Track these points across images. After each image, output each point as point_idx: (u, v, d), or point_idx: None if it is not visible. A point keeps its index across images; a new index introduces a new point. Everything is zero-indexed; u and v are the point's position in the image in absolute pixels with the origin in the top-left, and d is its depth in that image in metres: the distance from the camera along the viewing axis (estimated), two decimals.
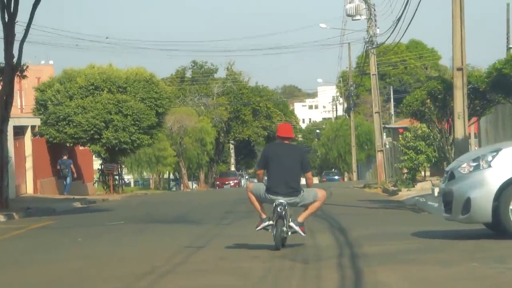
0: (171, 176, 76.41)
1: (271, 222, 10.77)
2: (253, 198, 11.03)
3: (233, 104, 75.94)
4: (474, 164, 11.14)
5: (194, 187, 79.47)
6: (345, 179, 76.74)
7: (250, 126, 78.17)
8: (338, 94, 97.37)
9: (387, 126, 50.39)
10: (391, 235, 12.25)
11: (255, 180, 11.71)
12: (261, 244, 11.45)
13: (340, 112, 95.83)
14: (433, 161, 27.01)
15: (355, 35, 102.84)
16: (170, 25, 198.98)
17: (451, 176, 11.37)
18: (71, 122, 36.50)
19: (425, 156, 26.98)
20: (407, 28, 31.73)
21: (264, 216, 10.92)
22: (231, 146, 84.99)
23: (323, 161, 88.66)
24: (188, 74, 79.84)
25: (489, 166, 11.01)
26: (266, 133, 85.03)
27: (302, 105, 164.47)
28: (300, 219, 10.84)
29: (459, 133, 18.05)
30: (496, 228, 11.33)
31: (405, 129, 54.15)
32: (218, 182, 67.41)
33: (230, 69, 79.46)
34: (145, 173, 65.31)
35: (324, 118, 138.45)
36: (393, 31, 32.88)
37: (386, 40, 37.10)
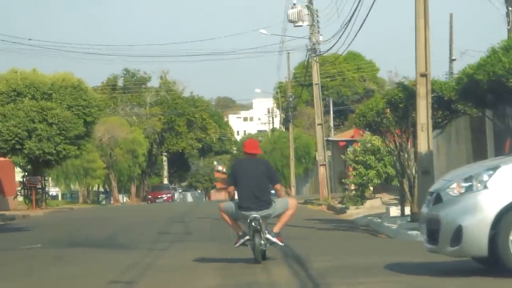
0: (101, 189, 73.30)
1: (248, 237, 10.95)
2: (226, 217, 11.27)
3: (167, 115, 73.38)
4: (466, 184, 9.07)
5: (124, 200, 76.50)
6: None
7: (184, 138, 75.69)
8: (274, 105, 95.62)
9: (329, 139, 48.56)
10: (361, 269, 10.11)
11: (224, 199, 12.24)
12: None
13: (277, 124, 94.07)
14: (383, 177, 25.10)
15: (296, 42, 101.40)
16: (101, 29, 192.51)
17: (437, 199, 9.28)
18: None
19: (375, 171, 25.07)
20: (354, 37, 30.03)
21: (240, 232, 11.11)
22: (164, 158, 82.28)
23: None
24: (120, 82, 76.93)
25: (485, 187, 8.96)
26: (201, 145, 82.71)
27: (237, 117, 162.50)
28: (276, 229, 11.11)
29: (422, 146, 16.08)
30: (487, 262, 9.30)
31: (348, 142, 52.56)
32: (150, 196, 64.66)
33: (164, 78, 76.98)
34: (72, 186, 62.14)
35: (259, 131, 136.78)
36: (339, 38, 31.05)
37: (330, 48, 35.33)
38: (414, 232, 15.26)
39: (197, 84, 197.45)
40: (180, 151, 77.66)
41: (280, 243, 11.07)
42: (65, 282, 10.18)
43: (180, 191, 73.85)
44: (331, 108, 70.47)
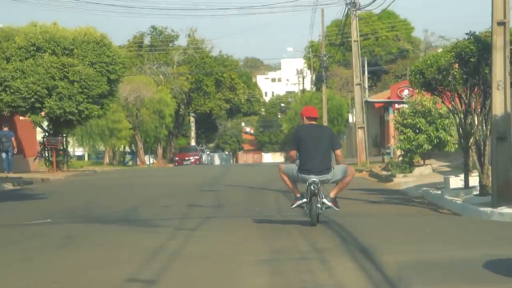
0: (127, 149, 71.37)
1: (305, 200, 11.23)
2: (286, 179, 11.51)
3: (195, 74, 70.97)
4: None
5: (151, 162, 74.58)
6: None
7: (212, 98, 73.31)
8: (305, 66, 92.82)
9: (368, 100, 45.96)
10: (452, 267, 7.76)
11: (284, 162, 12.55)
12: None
13: (307, 85, 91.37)
14: (435, 142, 22.60)
15: None
16: None
17: None
18: (8, 88, 31.53)
19: (425, 136, 22.59)
20: None
21: (298, 194, 11.36)
22: (192, 119, 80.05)
23: (288, 137, 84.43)
24: (147, 40, 74.46)
25: None
26: (229, 106, 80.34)
27: (265, 78, 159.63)
28: (332, 194, 11.38)
29: (498, 108, 13.59)
30: None
31: (386, 103, 49.88)
32: (177, 158, 62.59)
33: (192, 36, 74.38)
34: (97, 147, 60.23)
35: (288, 92, 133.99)
36: None
37: (372, 2, 32.69)
38: (488, 209, 12.89)
39: (226, 43, 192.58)
40: (208, 111, 75.38)
41: (336, 208, 11.39)
42: (69, 274, 7.96)
43: (208, 152, 71.56)
44: (366, 68, 67.52)
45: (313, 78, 78.86)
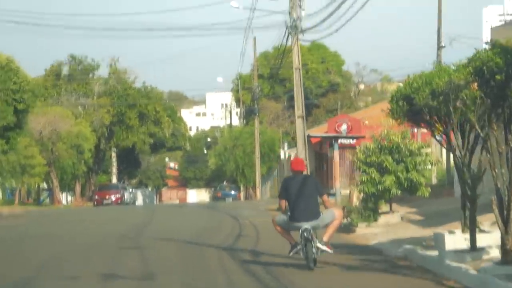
0: (45, 185, 65.99)
1: (300, 247, 11.89)
2: (281, 230, 12.31)
3: (117, 106, 66.34)
4: None
5: (69, 200, 69.31)
6: (241, 194, 68.42)
7: (135, 132, 68.75)
8: (233, 99, 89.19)
9: (310, 135, 42.33)
10: None
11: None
12: None
13: (235, 120, 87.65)
14: (405, 185, 18.91)
15: (268, 19, 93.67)
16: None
17: None
18: None
19: (393, 177, 18.88)
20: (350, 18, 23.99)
21: (293, 242, 12.11)
22: (113, 154, 75.20)
23: (216, 174, 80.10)
24: (65, 70, 69.59)
25: None
26: (152, 141, 75.93)
27: (189, 112, 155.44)
28: (325, 238, 12.10)
29: None
30: None
31: (324, 138, 46.34)
32: (97, 197, 57.67)
33: (113, 66, 69.87)
34: (7, 185, 54.93)
35: (212, 127, 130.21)
36: (330, 15, 25.11)
37: (317, 25, 29.17)
38: None
39: (149, 75, 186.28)
40: (131, 146, 70.78)
41: (330, 251, 12.05)
42: None
43: (130, 190, 66.58)
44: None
45: (243, 112, 75.22)
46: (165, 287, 10.38)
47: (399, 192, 19.02)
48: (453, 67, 11.76)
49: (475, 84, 10.86)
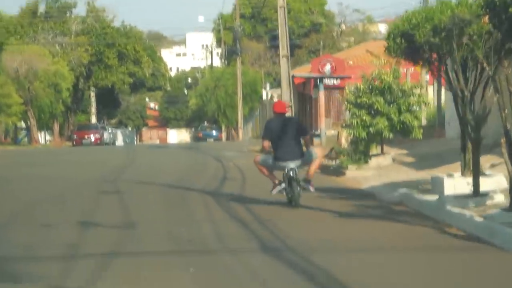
0: (23, 125, 64.71)
1: (284, 186, 12.31)
2: (263, 169, 12.60)
3: (95, 45, 64.80)
4: None
5: (47, 140, 68.22)
6: (223, 135, 67.58)
7: (114, 72, 67.32)
8: (214, 40, 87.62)
9: (294, 75, 41.31)
10: None
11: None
12: None
13: (216, 60, 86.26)
14: (398, 127, 18.09)
15: None
16: None
17: None
18: None
19: (385, 120, 18.04)
20: None
21: (277, 181, 12.44)
22: (92, 93, 73.81)
23: (196, 115, 79.04)
24: (41, 9, 67.63)
25: None
26: (132, 80, 74.53)
27: (169, 52, 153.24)
28: (308, 177, 12.53)
29: None
30: None
31: (308, 78, 45.42)
32: (75, 137, 56.63)
33: (91, 4, 68.06)
34: None
35: (193, 67, 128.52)
36: None
37: None
38: None
39: (128, 14, 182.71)
40: (110, 86, 69.41)
41: (312, 189, 12.52)
42: None
43: (110, 130, 65.43)
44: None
45: (225, 52, 73.90)
46: (147, 237, 9.55)
47: (391, 135, 18.23)
48: (454, 1, 10.87)
49: (486, 18, 9.95)
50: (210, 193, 14.50)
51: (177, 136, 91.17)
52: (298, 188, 12.16)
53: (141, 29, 78.10)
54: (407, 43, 12.39)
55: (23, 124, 63.93)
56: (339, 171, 18.48)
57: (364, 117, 18.25)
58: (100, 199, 13.77)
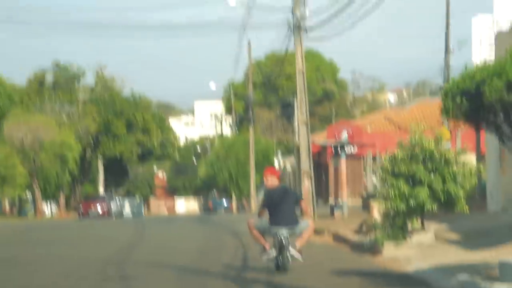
0: (30, 196, 62.67)
1: (274, 255, 12.80)
2: (257, 235, 13.12)
3: (103, 115, 63.25)
4: None
5: (53, 211, 66.09)
6: (233, 205, 65.41)
7: (123, 141, 65.64)
8: (223, 108, 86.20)
9: (314, 141, 39.40)
10: None
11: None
12: None
13: (225, 129, 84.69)
14: (442, 199, 16.05)
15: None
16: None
17: None
18: None
19: (427, 190, 16.03)
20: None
21: (268, 247, 12.96)
22: (100, 163, 71.96)
23: (206, 184, 76.88)
24: (49, 78, 66.33)
25: None
26: (140, 150, 72.84)
27: (178, 121, 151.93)
28: (298, 245, 12.95)
29: None
30: None
31: (325, 146, 43.53)
32: (82, 208, 54.62)
33: (100, 73, 66.80)
34: None
35: (201, 136, 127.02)
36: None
37: (322, 25, 26.44)
38: None
39: (135, 81, 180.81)
40: (118, 156, 67.63)
41: (301, 259, 12.85)
42: None
43: (118, 201, 63.00)
44: (295, 109, 61.30)
45: (235, 120, 72.32)
46: None
47: (434, 207, 16.12)
48: None
49: None
50: (233, 279, 12.40)
51: (185, 205, 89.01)
52: (289, 256, 12.68)
53: (150, 96, 76.24)
54: (469, 103, 10.48)
55: (30, 196, 62.06)
56: (374, 248, 16.34)
57: (402, 188, 16.19)
58: (104, 287, 11.66)
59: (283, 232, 12.70)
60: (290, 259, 12.64)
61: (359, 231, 19.60)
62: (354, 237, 18.91)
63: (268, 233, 12.95)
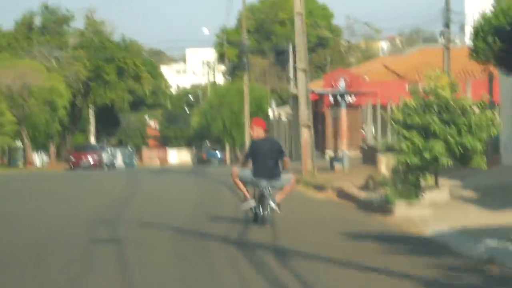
0: (20, 145, 61.32)
1: (254, 205, 12.93)
2: (239, 183, 13.19)
3: (94, 60, 61.61)
4: None
5: (44, 160, 64.83)
6: (227, 156, 64.26)
7: (114, 89, 64.12)
8: (215, 55, 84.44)
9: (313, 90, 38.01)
10: None
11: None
12: None
13: (219, 76, 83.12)
14: (458, 152, 14.85)
15: None
16: None
17: None
18: None
19: (442, 143, 14.82)
20: None
21: (249, 197, 13.08)
22: (91, 111, 70.54)
23: (199, 134, 75.51)
24: (38, 22, 64.56)
25: None
26: (132, 98, 71.36)
27: (169, 69, 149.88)
28: (278, 199, 13.07)
29: None
30: None
31: (322, 94, 42.17)
32: (73, 159, 53.29)
33: (90, 17, 64.99)
34: None
35: (193, 85, 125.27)
36: None
37: None
38: None
39: (128, 28, 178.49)
40: (109, 104, 66.17)
41: (279, 211, 12.92)
42: None
43: (110, 151, 61.54)
44: (290, 55, 59.69)
45: (229, 68, 70.75)
46: None
47: (450, 162, 14.90)
48: None
49: None
50: (235, 242, 11.23)
51: (178, 156, 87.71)
52: (268, 207, 12.76)
53: (142, 44, 74.56)
54: (503, 42, 9.17)
55: (20, 145, 60.70)
56: (384, 208, 15.16)
57: (416, 140, 14.95)
58: (92, 251, 10.46)
59: (265, 184, 12.79)
60: (269, 212, 12.69)
61: (365, 187, 18.40)
62: (361, 194, 17.71)
63: (250, 184, 13.06)
